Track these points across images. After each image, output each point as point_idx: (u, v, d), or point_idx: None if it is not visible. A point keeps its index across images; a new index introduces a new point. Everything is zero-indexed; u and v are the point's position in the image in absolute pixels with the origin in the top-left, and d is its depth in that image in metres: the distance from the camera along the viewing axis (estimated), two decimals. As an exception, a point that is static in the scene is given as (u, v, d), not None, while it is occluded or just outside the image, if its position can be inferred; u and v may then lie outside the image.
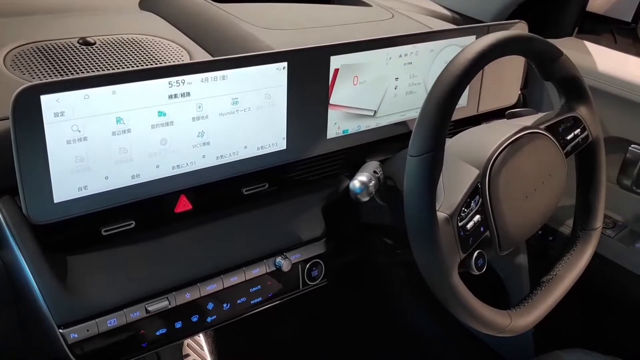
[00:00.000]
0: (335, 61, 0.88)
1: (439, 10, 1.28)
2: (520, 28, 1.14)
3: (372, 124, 0.97)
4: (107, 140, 0.71)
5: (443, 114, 0.76)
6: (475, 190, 0.83)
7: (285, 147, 0.86)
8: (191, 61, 0.75)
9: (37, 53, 0.82)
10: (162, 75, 0.72)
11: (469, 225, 0.82)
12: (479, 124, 1.16)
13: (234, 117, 0.80)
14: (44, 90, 0.65)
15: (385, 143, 1.01)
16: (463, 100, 1.10)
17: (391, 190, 0.92)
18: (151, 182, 0.75)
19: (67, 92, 0.66)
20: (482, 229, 0.84)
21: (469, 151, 0.88)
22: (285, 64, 0.83)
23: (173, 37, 0.94)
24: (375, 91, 0.95)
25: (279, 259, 0.82)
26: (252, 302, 0.81)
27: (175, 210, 0.80)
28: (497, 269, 1.38)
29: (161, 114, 0.74)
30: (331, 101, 0.90)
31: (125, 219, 0.76)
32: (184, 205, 0.81)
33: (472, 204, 0.82)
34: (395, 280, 1.57)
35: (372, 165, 0.89)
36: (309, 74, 0.86)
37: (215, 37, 0.96)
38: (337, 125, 0.92)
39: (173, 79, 0.74)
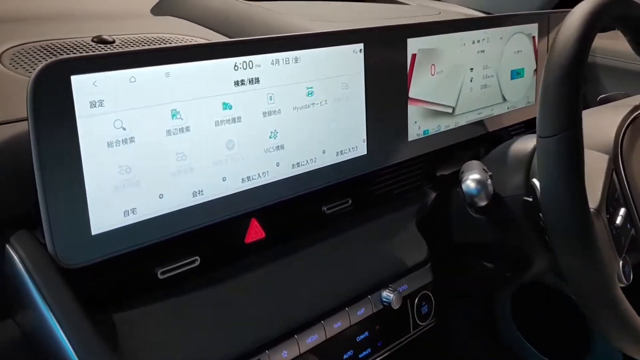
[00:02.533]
0: (413, 45, 0.71)
1: (471, 14, 1.15)
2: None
3: (451, 123, 0.80)
4: (161, 141, 0.51)
5: (574, 81, 0.59)
6: (611, 178, 0.66)
7: (365, 152, 0.68)
8: (260, 37, 0.56)
9: (42, 52, 0.62)
10: (229, 54, 0.54)
11: (618, 221, 0.64)
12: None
13: (310, 112, 0.61)
14: (77, 68, 0.45)
15: (461, 149, 0.84)
16: (533, 98, 0.94)
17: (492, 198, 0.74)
18: (218, 201, 0.55)
19: (108, 73, 0.47)
20: (628, 225, 0.66)
21: (588, 135, 0.71)
22: (361, 45, 0.65)
23: (205, 35, 0.76)
24: (452, 83, 0.78)
25: (386, 293, 0.62)
26: (360, 355, 0.60)
27: (245, 239, 0.59)
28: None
29: (226, 106, 0.55)
30: (410, 94, 0.72)
31: (188, 255, 0.55)
32: (255, 232, 0.60)
33: (615, 195, 0.65)
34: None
35: (476, 164, 0.71)
36: (387, 59, 0.69)
37: (259, 31, 0.78)
38: (418, 124, 0.74)
39: (239, 60, 0.55)
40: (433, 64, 0.75)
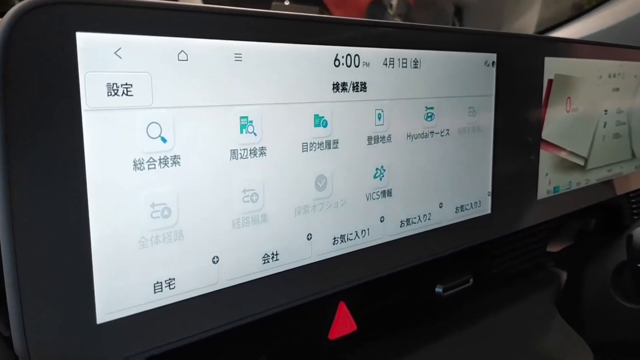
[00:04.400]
0: (550, 66, 0.52)
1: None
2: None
3: (582, 180, 0.59)
4: (223, 167, 0.30)
5: None
6: None
7: (490, 211, 0.47)
8: (369, 20, 0.37)
9: None
10: (332, 37, 0.34)
11: None
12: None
13: (427, 145, 0.41)
14: (89, 19, 0.25)
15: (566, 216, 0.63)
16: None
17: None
18: (298, 272, 0.34)
19: (146, 37, 0.27)
20: None
21: None
22: (494, 56, 0.46)
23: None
24: (586, 127, 0.59)
25: None
26: None
27: (330, 334, 0.38)
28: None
29: (319, 120, 0.35)
30: (544, 135, 0.53)
31: (249, 356, 0.33)
32: (344, 323, 0.39)
33: None
34: None
35: None
36: (521, 82, 0.49)
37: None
38: (549, 177, 0.54)
39: (342, 50, 0.35)
40: (569, 97, 0.55)
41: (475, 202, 0.46)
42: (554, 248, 0.66)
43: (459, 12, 1.16)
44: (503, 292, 0.50)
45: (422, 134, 0.41)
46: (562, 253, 0.61)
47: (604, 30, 1.02)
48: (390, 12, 1.00)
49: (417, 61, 0.40)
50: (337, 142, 0.36)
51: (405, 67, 0.39)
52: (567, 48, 0.54)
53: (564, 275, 0.56)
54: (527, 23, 1.16)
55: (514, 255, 0.54)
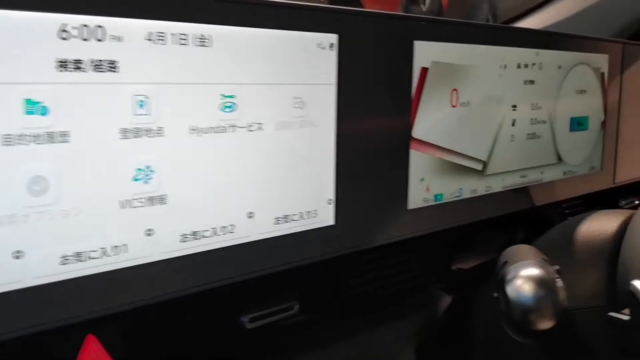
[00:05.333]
0: (423, 52, 0.44)
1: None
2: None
3: (479, 187, 0.51)
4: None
5: None
6: None
7: (333, 222, 0.40)
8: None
9: None
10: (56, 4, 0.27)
11: None
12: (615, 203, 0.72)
13: (225, 142, 0.34)
14: None
15: (489, 230, 0.55)
16: (597, 163, 0.65)
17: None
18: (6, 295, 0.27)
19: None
20: None
21: None
22: (334, 37, 0.38)
23: None
24: (484, 125, 0.51)
25: None
26: None
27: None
28: None
29: (34, 106, 0.27)
30: (416, 133, 0.45)
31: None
32: (95, 361, 0.31)
33: None
34: None
35: (528, 250, 0.42)
36: (377, 69, 0.41)
37: None
38: (425, 183, 0.46)
39: (73, 19, 0.28)
40: (455, 89, 0.47)
41: (308, 212, 0.38)
42: (466, 264, 0.58)
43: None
44: (345, 324, 0.42)
45: (217, 127, 0.33)
46: (463, 273, 0.53)
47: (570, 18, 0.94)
48: (423, 8, 0.92)
49: (205, 38, 0.32)
50: (67, 135, 0.28)
51: (185, 44, 0.32)
52: (449, 30, 0.46)
53: (446, 300, 0.48)
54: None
55: (377, 275, 0.46)
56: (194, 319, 0.35)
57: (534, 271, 0.38)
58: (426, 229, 0.46)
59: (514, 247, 0.43)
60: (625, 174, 0.69)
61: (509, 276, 0.38)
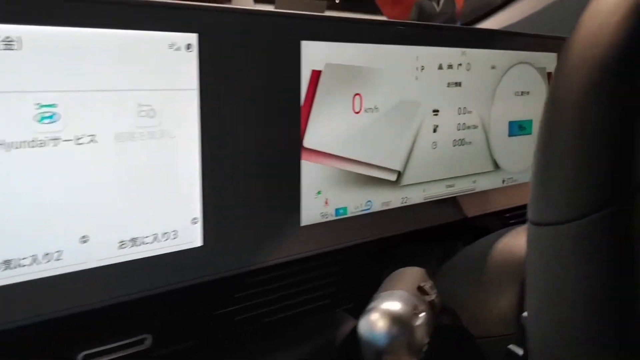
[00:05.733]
0: (313, 53, 0.40)
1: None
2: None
3: (394, 198, 0.47)
4: None
5: (621, 100, 0.24)
6: None
7: (200, 243, 0.35)
8: None
9: None
10: None
11: None
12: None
13: (41, 157, 0.30)
14: None
15: (419, 243, 0.51)
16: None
17: (451, 336, 0.40)
18: None
19: None
20: None
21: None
22: (193, 37, 0.34)
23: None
24: (397, 131, 0.46)
25: None
26: None
27: None
28: None
29: None
30: (308, 142, 0.40)
31: None
32: None
33: None
34: None
35: (412, 274, 0.38)
36: (255, 74, 0.37)
37: None
38: (323, 196, 0.42)
39: None
40: (358, 94, 0.43)
41: (166, 233, 0.34)
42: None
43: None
44: (222, 356, 0.38)
45: (33, 141, 0.29)
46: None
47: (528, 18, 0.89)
48: (437, 8, 0.88)
49: (12, 40, 0.28)
50: None
51: (-14, 47, 0.28)
52: (343, 29, 0.41)
53: (349, 324, 0.43)
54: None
55: (267, 299, 0.41)
56: (20, 358, 0.31)
57: (392, 305, 0.33)
58: (326, 246, 0.42)
59: (398, 271, 0.38)
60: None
61: (367, 308, 0.34)
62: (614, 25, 0.24)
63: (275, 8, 0.77)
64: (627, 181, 0.23)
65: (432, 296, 0.35)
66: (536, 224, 0.25)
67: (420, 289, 0.35)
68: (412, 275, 0.37)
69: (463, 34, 0.49)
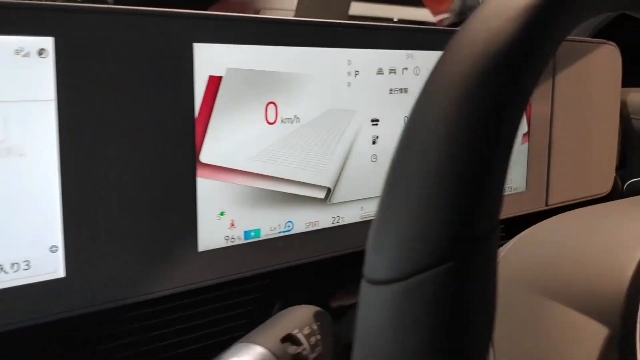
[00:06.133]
0: (210, 57, 0.35)
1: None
2: (610, 52, 0.61)
3: (323, 218, 0.42)
4: None
5: (473, 148, 0.18)
6: None
7: (63, 274, 0.31)
8: None
9: None
10: None
11: None
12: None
13: None
14: None
15: (347, 269, 0.46)
16: (519, 183, 0.55)
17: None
18: None
19: None
20: None
21: (569, 277, 0.32)
22: (49, 42, 0.30)
23: None
24: (326, 144, 0.41)
25: None
26: None
27: None
28: None
29: None
30: (204, 157, 0.36)
31: None
32: None
33: None
34: None
35: (291, 317, 0.33)
36: (133, 79, 0.33)
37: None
38: (227, 217, 0.37)
39: None
40: (272, 102, 0.38)
41: (15, 264, 0.30)
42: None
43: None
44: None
45: None
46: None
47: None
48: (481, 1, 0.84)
49: None
50: None
51: None
52: (246, 30, 0.37)
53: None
54: None
55: (146, 335, 0.37)
56: None
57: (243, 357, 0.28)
58: (233, 273, 0.38)
59: (287, 310, 0.33)
60: (561, 195, 0.58)
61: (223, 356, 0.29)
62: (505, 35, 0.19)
63: (295, 16, 0.72)
64: (467, 232, 0.18)
65: (303, 346, 0.30)
66: (367, 280, 0.20)
67: (290, 338, 0.30)
68: (290, 318, 0.32)
69: (405, 35, 0.44)
